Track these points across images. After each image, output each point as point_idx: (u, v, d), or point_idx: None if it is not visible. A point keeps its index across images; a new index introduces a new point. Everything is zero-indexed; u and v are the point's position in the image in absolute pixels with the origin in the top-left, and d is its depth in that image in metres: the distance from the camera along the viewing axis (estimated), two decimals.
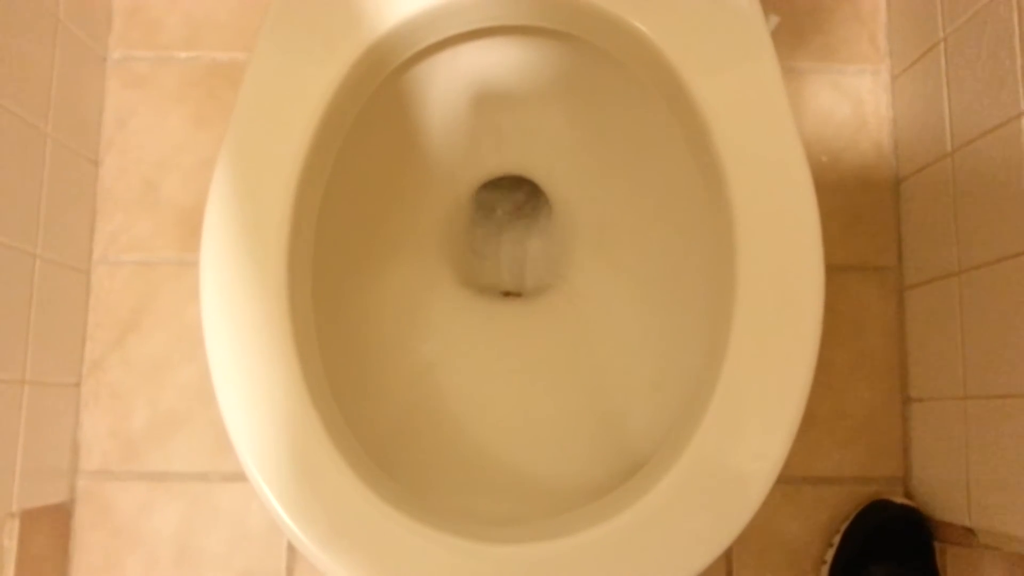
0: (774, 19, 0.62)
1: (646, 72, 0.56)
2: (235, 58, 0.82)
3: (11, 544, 0.66)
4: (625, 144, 0.67)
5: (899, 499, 0.73)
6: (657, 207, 0.66)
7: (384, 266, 0.68)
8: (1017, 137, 0.61)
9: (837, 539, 0.74)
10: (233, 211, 0.50)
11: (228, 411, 0.48)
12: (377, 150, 0.65)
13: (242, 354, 0.48)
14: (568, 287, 0.71)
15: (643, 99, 0.60)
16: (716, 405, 0.48)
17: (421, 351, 0.67)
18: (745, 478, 0.47)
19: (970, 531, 0.68)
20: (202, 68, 0.82)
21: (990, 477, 0.65)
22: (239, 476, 0.76)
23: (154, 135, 0.81)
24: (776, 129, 0.52)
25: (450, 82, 0.65)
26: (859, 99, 0.82)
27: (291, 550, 0.75)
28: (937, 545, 0.72)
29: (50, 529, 0.72)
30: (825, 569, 0.73)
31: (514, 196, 0.77)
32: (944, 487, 0.71)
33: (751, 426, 0.48)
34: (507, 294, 0.75)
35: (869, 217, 0.80)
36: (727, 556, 0.76)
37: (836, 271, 0.79)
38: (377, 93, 0.57)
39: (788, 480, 0.76)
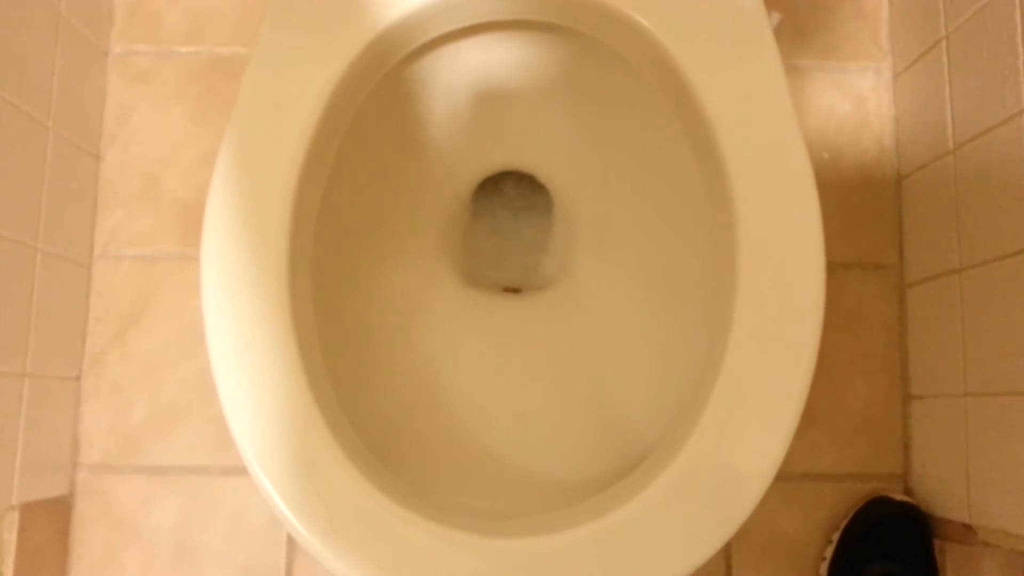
0: (776, 16, 0.62)
1: (649, 68, 0.56)
2: (236, 53, 0.82)
3: (11, 537, 0.67)
4: (627, 140, 0.67)
5: (899, 496, 0.73)
6: (658, 203, 0.66)
7: (385, 261, 0.68)
8: (1019, 135, 0.61)
9: (836, 536, 0.74)
10: (234, 206, 0.50)
11: (229, 405, 0.48)
12: (378, 145, 0.65)
13: (243, 349, 0.48)
14: (569, 283, 0.71)
15: (645, 95, 0.60)
16: (715, 401, 0.48)
17: (422, 346, 0.67)
18: (744, 475, 0.47)
19: (970, 528, 0.68)
20: (203, 63, 0.81)
21: (990, 475, 0.65)
22: (239, 470, 0.76)
23: (155, 130, 0.81)
24: (778, 126, 0.52)
25: (452, 77, 0.65)
26: (861, 97, 0.81)
27: (291, 544, 0.75)
28: (936, 542, 0.72)
29: (50, 522, 0.72)
30: (824, 566, 0.73)
31: (515, 192, 0.77)
32: (944, 484, 0.71)
33: (750, 423, 0.48)
34: (508, 290, 0.75)
35: (870, 214, 0.80)
36: (726, 552, 0.76)
37: (837, 268, 0.79)
38: (379, 88, 0.57)
39: (788, 477, 0.76)
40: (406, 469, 0.56)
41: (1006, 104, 0.63)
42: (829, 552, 0.74)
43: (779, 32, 0.55)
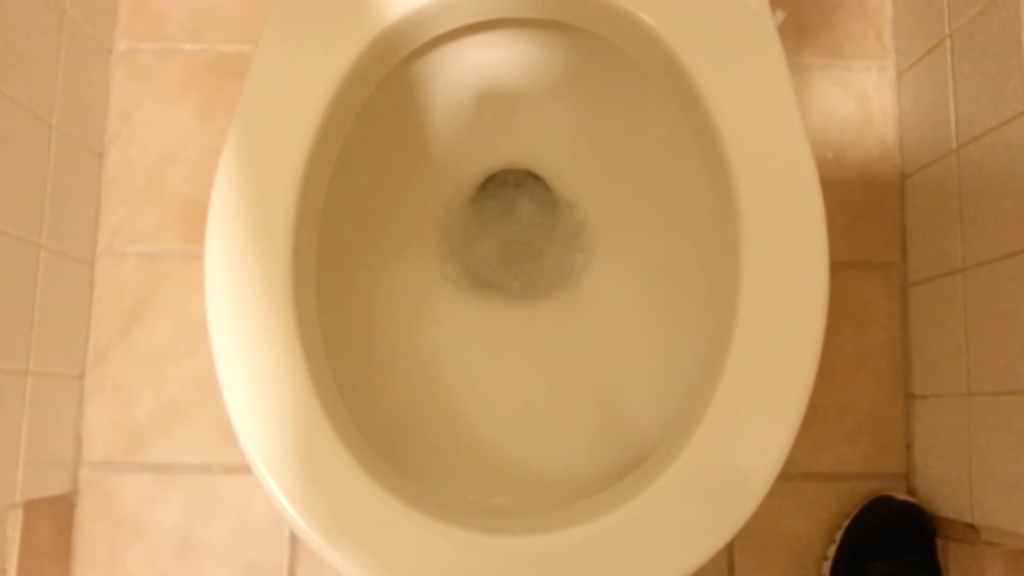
0: (780, 15, 0.62)
1: (653, 66, 0.56)
2: (240, 50, 0.82)
3: (15, 534, 0.67)
4: (631, 138, 0.67)
5: (902, 496, 0.73)
6: (662, 201, 0.66)
7: (388, 259, 0.68)
8: (1022, 134, 0.61)
9: (839, 535, 0.74)
10: (238, 203, 0.50)
11: (232, 403, 0.48)
12: (382, 143, 0.65)
13: (246, 346, 0.48)
14: (572, 282, 0.71)
15: (650, 93, 0.60)
16: (719, 400, 0.48)
17: (425, 344, 0.68)
18: (747, 474, 0.47)
19: (972, 528, 0.68)
20: (207, 60, 0.82)
21: (993, 474, 0.65)
22: (241, 468, 0.76)
23: (159, 127, 0.81)
24: (782, 125, 0.52)
25: (456, 75, 0.65)
26: (864, 95, 0.81)
27: (294, 542, 0.75)
28: (939, 542, 0.72)
29: (53, 520, 0.72)
30: (827, 565, 0.73)
31: (519, 190, 0.77)
32: (947, 484, 0.71)
33: (754, 422, 0.48)
34: (511, 288, 0.75)
35: (874, 213, 0.80)
36: (729, 551, 0.76)
37: (840, 267, 0.78)
38: (382, 85, 0.57)
39: (791, 476, 0.76)
40: (410, 467, 0.56)
41: (1010, 103, 0.63)
42: (832, 551, 0.74)
43: (783, 30, 0.55)
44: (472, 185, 0.72)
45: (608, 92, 0.66)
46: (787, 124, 0.52)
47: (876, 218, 0.80)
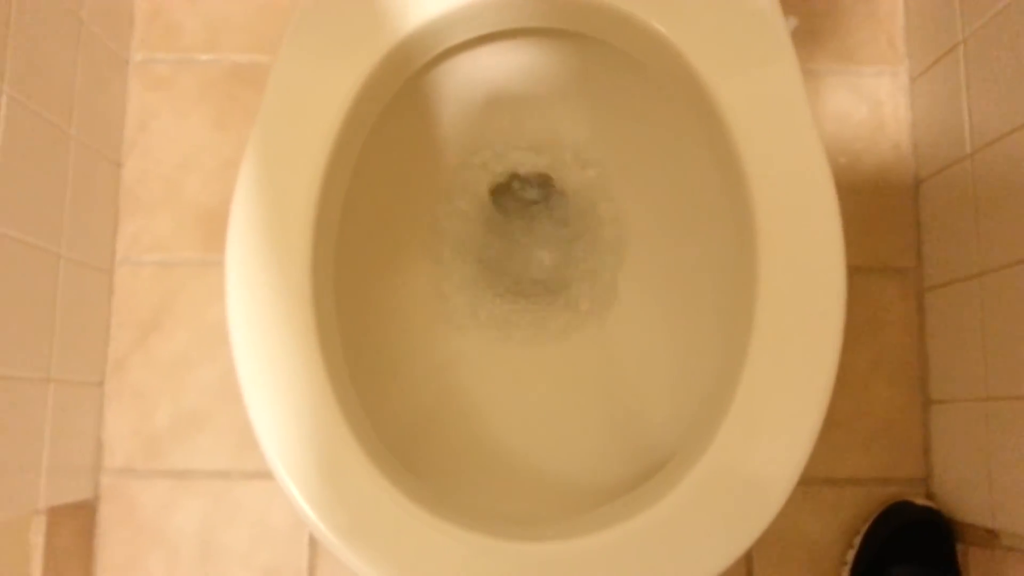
0: (792, 21, 0.62)
1: (666, 74, 0.56)
2: (254, 60, 0.82)
3: (38, 540, 0.67)
4: (645, 144, 0.67)
5: (920, 500, 0.73)
6: (677, 209, 0.67)
7: (405, 265, 0.69)
8: None
9: (858, 540, 0.73)
10: (258, 210, 0.50)
11: (253, 408, 0.48)
12: (399, 150, 0.65)
13: (267, 352, 0.49)
14: (587, 287, 0.71)
15: (663, 100, 0.60)
16: (737, 408, 0.48)
17: (442, 350, 0.68)
18: (765, 482, 0.47)
19: (993, 533, 0.67)
20: (222, 70, 0.82)
21: (1012, 478, 0.65)
22: (261, 474, 0.76)
23: (175, 136, 0.81)
24: (797, 131, 0.52)
25: (470, 83, 0.65)
26: (878, 101, 0.81)
27: (313, 546, 0.76)
28: (959, 547, 0.71)
29: (75, 526, 0.73)
30: (846, 570, 0.73)
31: (534, 196, 0.77)
32: (966, 488, 0.71)
33: (772, 429, 0.48)
34: (526, 293, 0.75)
35: (888, 219, 0.80)
36: (748, 557, 0.76)
37: (855, 272, 0.78)
38: (399, 94, 0.58)
39: (809, 481, 0.76)
40: (428, 472, 0.56)
41: (1023, 108, 0.63)
42: (850, 556, 0.73)
43: (795, 36, 0.55)
44: (488, 191, 0.72)
45: (621, 100, 0.67)
46: (802, 131, 0.52)
47: (891, 223, 0.80)
